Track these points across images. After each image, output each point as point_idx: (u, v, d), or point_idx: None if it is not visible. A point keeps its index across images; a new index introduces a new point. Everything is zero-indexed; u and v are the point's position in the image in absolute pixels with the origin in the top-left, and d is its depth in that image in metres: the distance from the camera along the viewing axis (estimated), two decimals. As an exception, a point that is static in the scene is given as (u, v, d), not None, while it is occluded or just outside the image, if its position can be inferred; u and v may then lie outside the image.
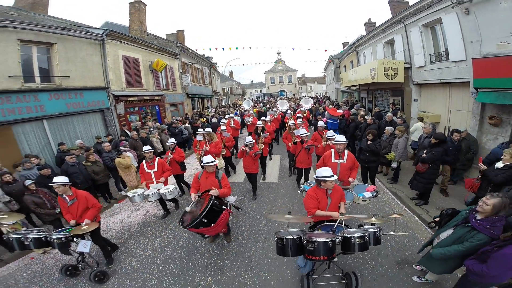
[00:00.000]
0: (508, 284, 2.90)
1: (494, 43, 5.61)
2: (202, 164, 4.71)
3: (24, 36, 7.77)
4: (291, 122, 7.81)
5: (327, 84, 38.17)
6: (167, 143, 7.05)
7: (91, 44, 10.03)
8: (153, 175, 5.78)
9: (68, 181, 4.23)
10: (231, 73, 49.40)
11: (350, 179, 4.77)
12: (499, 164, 4.13)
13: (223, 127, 8.49)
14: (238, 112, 16.51)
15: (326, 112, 11.64)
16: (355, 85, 15.71)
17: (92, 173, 6.63)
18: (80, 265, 4.28)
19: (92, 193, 6.72)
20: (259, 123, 8.33)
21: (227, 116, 11.86)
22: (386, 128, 7.19)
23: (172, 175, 6.39)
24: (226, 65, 46.79)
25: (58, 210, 5.11)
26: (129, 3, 16.81)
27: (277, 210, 6.23)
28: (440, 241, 3.16)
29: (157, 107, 14.57)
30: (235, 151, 10.39)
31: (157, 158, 5.96)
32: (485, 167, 4.27)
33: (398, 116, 8.94)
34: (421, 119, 8.53)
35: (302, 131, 6.60)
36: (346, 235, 3.16)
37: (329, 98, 27.43)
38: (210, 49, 29.83)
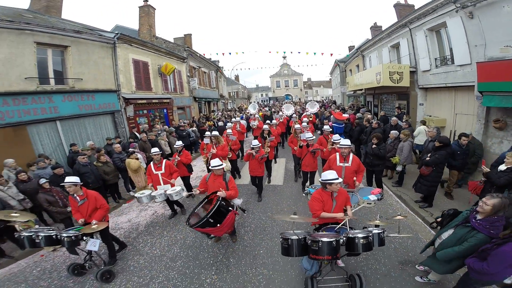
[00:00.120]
0: (509, 284, 2.95)
1: (498, 46, 5.68)
2: (210, 167, 4.82)
3: (40, 38, 8.06)
4: (297, 126, 7.89)
5: (333, 88, 38.18)
6: (175, 146, 7.16)
7: (103, 47, 10.33)
8: (160, 177, 5.87)
9: (79, 181, 4.33)
10: (237, 77, 49.75)
11: (356, 183, 4.81)
12: (502, 167, 4.18)
13: (229, 131, 8.59)
14: (244, 116, 16.64)
15: (332, 116, 11.73)
16: (361, 89, 15.74)
17: (102, 173, 6.83)
18: (87, 264, 4.36)
19: (102, 192, 6.93)
20: (265, 126, 8.43)
21: (233, 119, 12.02)
22: (391, 132, 7.24)
23: (179, 177, 6.47)
24: (232, 69, 47.20)
25: (69, 209, 5.21)
26: (139, 7, 17.12)
27: (282, 212, 6.32)
28: (442, 241, 3.21)
29: (165, 110, 14.82)
30: (240, 154, 10.53)
31: (164, 160, 6.06)
32: (488, 170, 4.32)
33: (403, 120, 8.98)
34: (423, 123, 8.57)
35: (308, 134, 6.66)
36: (350, 235, 3.20)
37: (335, 102, 27.44)
38: (217, 53, 30.23)
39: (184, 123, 12.86)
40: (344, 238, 3.22)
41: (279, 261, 4.43)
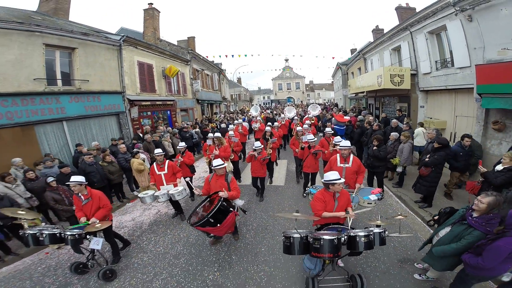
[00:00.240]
0: (507, 282, 3.02)
1: (496, 49, 5.77)
2: (212, 167, 4.89)
3: (49, 40, 8.23)
4: (298, 128, 8.00)
5: (335, 91, 38.25)
6: (178, 147, 7.25)
7: (109, 49, 10.51)
8: (163, 177, 5.95)
9: (84, 180, 4.38)
10: (239, 80, 50.00)
11: (357, 184, 4.89)
12: (499, 167, 4.26)
13: (231, 133, 8.69)
14: (246, 118, 16.75)
15: (333, 118, 11.84)
16: (363, 92, 15.84)
17: (107, 173, 6.96)
18: (90, 263, 4.38)
19: (107, 192, 7.05)
20: (267, 128, 8.52)
21: (235, 122, 12.13)
22: (391, 134, 7.32)
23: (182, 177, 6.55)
24: (234, 71, 47.71)
25: (75, 207, 5.37)
26: (144, 10, 17.36)
27: (283, 211, 6.42)
28: (439, 238, 3.30)
29: (168, 112, 14.98)
30: (242, 156, 10.64)
31: (167, 161, 6.13)
32: (485, 170, 4.40)
33: (404, 122, 9.06)
34: (421, 125, 8.70)
35: (309, 136, 6.75)
36: (351, 234, 3.25)
37: (336, 105, 27.53)
38: (220, 56, 30.47)
39: (187, 124, 13.01)
40: (346, 237, 3.25)
41: (280, 259, 4.51)
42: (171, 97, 15.17)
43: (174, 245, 5.27)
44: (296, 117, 13.38)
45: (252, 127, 11.78)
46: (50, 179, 5.42)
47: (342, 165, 4.98)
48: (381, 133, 8.07)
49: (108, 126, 10.50)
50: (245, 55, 24.84)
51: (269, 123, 10.62)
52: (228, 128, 10.56)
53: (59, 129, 8.60)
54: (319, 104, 24.68)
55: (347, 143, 5.21)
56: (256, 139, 10.19)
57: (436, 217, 3.71)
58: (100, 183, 6.65)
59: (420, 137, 8.02)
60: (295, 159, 8.27)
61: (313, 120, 12.21)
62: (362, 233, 3.21)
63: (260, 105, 44.57)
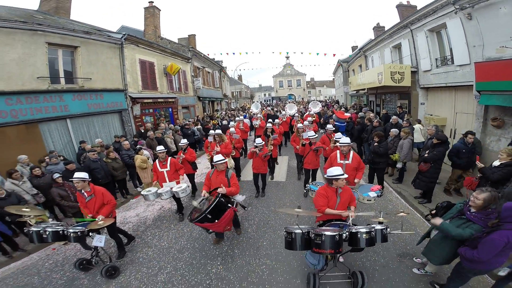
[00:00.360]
0: (504, 277, 3.10)
1: (495, 47, 5.80)
2: (213, 162, 4.94)
3: (51, 39, 8.32)
4: (299, 125, 8.03)
5: (336, 88, 38.22)
6: (180, 144, 7.31)
7: (111, 48, 10.59)
8: (165, 174, 5.97)
9: (87, 177, 4.39)
10: (240, 77, 49.92)
11: (356, 179, 4.94)
12: (496, 163, 4.34)
13: (232, 129, 8.72)
14: (247, 115, 16.82)
15: (334, 115, 11.91)
16: (363, 89, 15.87)
17: (111, 169, 7.07)
18: (94, 260, 4.38)
19: (112, 188, 7.15)
20: (268, 125, 8.58)
21: (236, 118, 12.20)
22: (391, 130, 7.41)
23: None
24: (235, 69, 47.48)
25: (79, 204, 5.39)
26: (144, 8, 17.34)
27: (284, 206, 6.50)
28: (437, 232, 3.37)
29: (170, 109, 15.09)
30: (244, 153, 10.71)
31: (169, 158, 6.14)
32: (483, 165, 4.48)
33: (405, 119, 9.12)
34: (419, 121, 8.80)
35: (310, 133, 6.79)
36: (353, 230, 3.27)
37: (337, 102, 27.54)
38: (221, 53, 30.45)
39: (189, 121, 13.10)
40: (347, 233, 3.28)
41: (282, 252, 4.59)
42: (172, 94, 15.25)
43: (178, 239, 5.37)
44: (297, 114, 13.44)
45: (253, 124, 11.83)
46: (56, 175, 5.53)
47: (342, 161, 5.01)
48: (381, 129, 8.12)
49: (111, 124, 10.61)
50: (246, 53, 24.83)
51: (270, 120, 10.68)
52: (229, 125, 10.62)
53: (63, 126, 8.71)
54: (320, 101, 24.71)
55: (347, 139, 5.25)
56: (257, 136, 10.23)
57: (433, 211, 3.79)
58: (105, 179, 6.77)
59: (418, 134, 8.11)
60: (296, 155, 8.30)
61: (314, 117, 12.26)
62: (363, 230, 3.23)
63: (261, 102, 44.60)
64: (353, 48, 25.61)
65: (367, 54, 16.69)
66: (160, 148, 6.17)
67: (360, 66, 19.00)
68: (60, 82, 8.67)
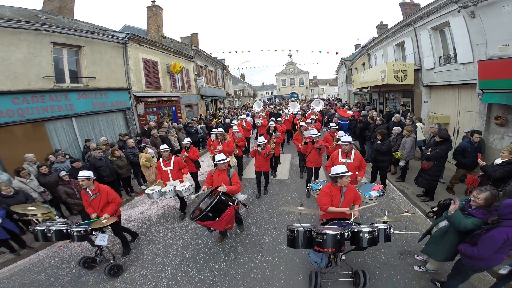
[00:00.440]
0: (505, 275, 3.13)
1: (498, 45, 5.80)
2: (215, 162, 4.97)
3: (56, 39, 8.41)
4: (302, 123, 8.02)
5: (339, 86, 38.10)
6: (183, 142, 7.34)
7: (115, 47, 10.67)
8: (169, 173, 6.01)
9: (92, 175, 4.42)
10: (242, 75, 49.88)
11: (358, 177, 4.94)
12: (498, 161, 4.35)
13: (235, 128, 8.73)
14: (250, 114, 16.84)
15: (337, 113, 11.92)
16: (367, 87, 15.84)
17: (116, 167, 7.17)
18: (98, 258, 4.44)
19: (116, 186, 7.24)
20: (271, 123, 8.59)
21: (239, 117, 12.24)
22: (394, 128, 7.42)
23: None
24: (238, 67, 47.35)
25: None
26: (147, 7, 17.44)
27: (287, 204, 6.57)
28: (439, 229, 3.40)
29: (173, 108, 15.19)
30: (246, 151, 10.72)
31: (173, 156, 6.17)
32: (484, 163, 4.49)
33: (408, 117, 9.10)
34: (420, 120, 8.81)
35: (313, 131, 6.78)
36: (355, 229, 3.26)
37: (340, 100, 27.48)
38: (223, 52, 30.52)
39: (192, 120, 13.18)
40: (349, 232, 3.27)
41: (284, 249, 4.64)
42: (176, 93, 15.34)
43: (182, 236, 5.45)
44: (299, 112, 13.44)
45: (256, 122, 11.84)
46: (62, 173, 5.63)
47: (344, 160, 5.01)
48: (384, 127, 8.13)
49: (115, 122, 10.72)
50: (248, 51, 25.16)
51: (273, 118, 10.70)
52: (232, 123, 10.67)
53: (69, 125, 8.83)
54: (323, 99, 24.67)
55: (348, 138, 5.24)
56: (259, 135, 10.25)
57: (435, 209, 3.81)
58: (110, 177, 6.86)
59: (418, 132, 8.10)
60: (298, 154, 8.29)
61: (317, 115, 12.26)
62: (366, 229, 3.22)
63: (264, 100, 44.58)
64: (356, 46, 25.48)
65: (370, 52, 16.64)
66: (164, 146, 6.20)
67: (363, 64, 18.93)
68: (65, 82, 8.77)
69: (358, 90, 19.40)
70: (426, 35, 9.36)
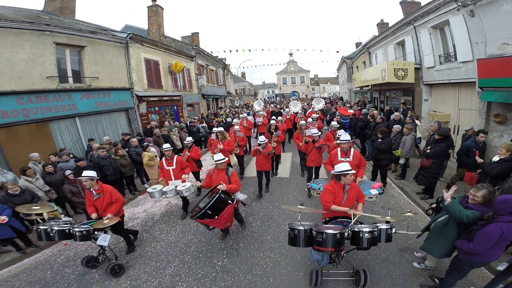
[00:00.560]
0: (502, 272, 3.18)
1: (497, 44, 5.84)
2: (214, 161, 4.99)
3: (59, 39, 8.48)
4: (302, 122, 8.05)
5: (340, 85, 38.09)
6: (185, 142, 7.38)
7: (117, 47, 10.75)
8: (171, 172, 6.03)
9: (95, 175, 4.45)
10: (243, 74, 49.86)
11: (358, 178, 4.92)
12: (495, 158, 4.41)
13: (236, 127, 8.75)
14: (251, 112, 16.82)
15: (337, 111, 11.98)
16: (367, 86, 15.86)
17: (120, 166, 7.26)
18: (100, 257, 4.45)
19: (120, 184, 7.33)
20: (272, 122, 8.63)
21: (241, 116, 12.28)
22: (394, 126, 7.48)
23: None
24: (238, 66, 47.50)
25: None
26: (148, 6, 17.44)
27: (288, 202, 6.65)
28: (436, 223, 3.45)
29: (175, 107, 15.26)
30: (248, 150, 10.78)
31: (175, 156, 6.18)
32: (482, 161, 4.55)
33: (409, 115, 9.14)
34: (416, 117, 8.85)
35: (313, 130, 6.77)
36: (355, 229, 3.24)
37: (341, 99, 27.49)
38: (224, 51, 30.58)
39: (194, 119, 13.25)
40: (349, 232, 3.26)
41: (285, 246, 4.67)
42: (177, 92, 15.41)
43: (185, 234, 5.53)
44: (300, 111, 13.47)
45: (256, 121, 11.85)
46: (68, 172, 5.74)
47: (342, 159, 4.98)
48: (384, 125, 8.17)
49: (118, 122, 10.81)
50: (249, 50, 25.06)
51: (274, 117, 10.73)
52: (233, 122, 10.71)
53: (72, 125, 8.93)
54: (323, 98, 24.67)
55: (347, 137, 5.23)
56: (260, 134, 10.28)
57: (433, 205, 3.87)
58: (113, 176, 6.97)
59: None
60: (299, 152, 8.30)
61: (318, 114, 12.27)
62: (366, 229, 3.20)
63: (264, 99, 44.57)
64: (357, 44, 25.49)
65: (371, 51, 16.65)
66: (166, 146, 6.25)
67: (364, 62, 18.93)
68: (69, 82, 8.85)
69: (359, 88, 19.40)
70: (426, 33, 9.38)
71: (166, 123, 11.72)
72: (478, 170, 4.76)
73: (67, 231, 4.07)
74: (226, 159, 5.08)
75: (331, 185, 3.85)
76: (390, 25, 13.79)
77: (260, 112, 12.88)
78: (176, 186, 5.81)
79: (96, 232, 4.21)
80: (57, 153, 7.13)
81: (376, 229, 3.23)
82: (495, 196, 2.94)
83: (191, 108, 17.79)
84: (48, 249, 5.49)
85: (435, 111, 9.63)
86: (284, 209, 6.07)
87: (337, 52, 22.55)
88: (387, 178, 7.38)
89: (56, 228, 4.02)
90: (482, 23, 6.40)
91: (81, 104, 9.02)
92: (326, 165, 5.31)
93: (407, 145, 6.88)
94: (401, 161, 7.16)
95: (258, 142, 6.62)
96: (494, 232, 2.65)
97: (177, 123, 12.54)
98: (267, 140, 6.73)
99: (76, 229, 4.05)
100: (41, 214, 4.39)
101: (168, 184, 6.06)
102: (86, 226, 4.20)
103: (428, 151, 5.67)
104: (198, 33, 21.97)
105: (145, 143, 8.00)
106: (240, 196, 4.94)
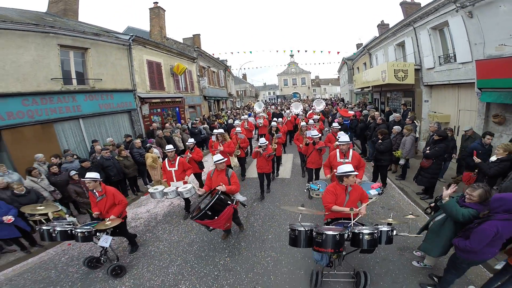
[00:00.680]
0: (500, 270, 3.23)
1: (496, 45, 5.89)
2: (213, 162, 5.04)
3: (63, 41, 8.58)
4: (303, 123, 8.09)
5: (341, 86, 38.10)
6: (187, 143, 7.41)
7: (120, 49, 10.85)
8: (173, 173, 6.06)
9: (99, 177, 4.48)
10: (244, 76, 49.95)
11: (357, 180, 4.94)
12: (493, 158, 4.47)
13: (238, 129, 8.74)
14: (252, 114, 16.86)
15: (338, 113, 12.04)
16: (368, 87, 15.91)
17: (123, 167, 7.35)
18: (102, 258, 4.45)
19: (123, 185, 7.41)
20: (273, 123, 8.67)
21: (242, 117, 12.33)
22: (394, 127, 7.54)
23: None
24: (240, 68, 47.52)
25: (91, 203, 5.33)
26: (149, 8, 17.56)
27: (289, 202, 6.71)
28: (435, 222, 3.53)
29: (177, 109, 15.35)
30: (249, 152, 10.82)
31: (178, 157, 6.21)
32: (479, 161, 4.61)
33: (409, 116, 9.18)
34: (413, 118, 8.90)
35: (313, 132, 6.81)
36: (355, 231, 3.24)
37: (342, 100, 27.52)
38: (225, 53, 30.73)
39: (196, 120, 13.34)
40: (349, 233, 3.26)
41: (286, 245, 4.67)
42: (179, 94, 15.50)
43: (188, 233, 5.61)
44: (301, 113, 13.52)
45: (257, 123, 11.88)
46: (72, 172, 5.83)
47: (342, 160, 4.99)
48: (384, 127, 8.23)
49: (121, 123, 10.90)
50: (250, 52, 25.20)
51: (275, 119, 10.79)
52: (234, 124, 10.73)
53: (76, 126, 9.02)
54: (324, 99, 24.72)
55: (346, 138, 5.26)
56: (261, 135, 10.30)
57: (432, 204, 3.93)
58: (117, 176, 7.06)
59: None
60: (299, 154, 8.33)
61: (319, 115, 12.30)
62: (366, 231, 3.21)
63: (266, 101, 44.62)
64: (358, 45, 25.55)
65: (371, 52, 16.70)
66: (169, 147, 6.27)
67: (365, 64, 18.97)
68: (73, 83, 8.95)
69: (359, 89, 19.45)
70: (425, 34, 9.45)
71: (167, 124, 11.80)
72: (476, 170, 4.81)
73: (69, 231, 4.10)
74: (225, 159, 5.10)
75: (333, 186, 3.87)
76: (390, 26, 13.85)
77: (261, 114, 12.92)
78: (177, 188, 5.82)
79: (98, 233, 4.26)
80: (58, 155, 7.18)
81: (376, 231, 3.24)
82: (491, 195, 3.00)
83: (192, 109, 17.88)
84: (52, 248, 5.55)
85: (435, 112, 9.68)
86: (285, 210, 6.10)
87: (338, 53, 22.61)
88: (387, 179, 7.44)
89: (58, 228, 4.05)
90: (480, 24, 6.47)
91: (85, 106, 9.12)
92: (325, 167, 5.34)
93: (407, 146, 6.94)
94: (401, 161, 7.21)
95: (259, 144, 6.63)
96: (490, 229, 2.71)
97: (179, 124, 12.61)
98: (267, 142, 6.74)
99: (78, 230, 4.09)
100: (45, 214, 4.44)
101: (169, 185, 6.09)
102: (88, 227, 4.24)
103: (427, 151, 5.72)
104: (199, 34, 22.10)
105: (148, 145, 8.09)
106: (240, 197, 4.98)
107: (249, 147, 10.63)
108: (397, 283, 3.80)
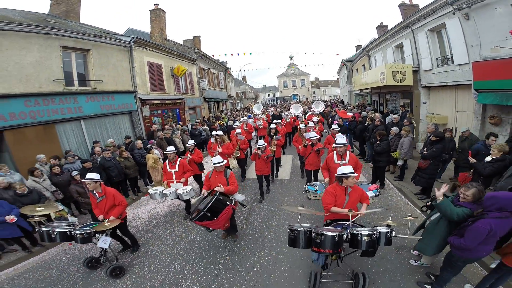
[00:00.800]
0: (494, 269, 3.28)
1: (491, 47, 5.97)
2: (212, 164, 5.08)
3: (65, 43, 8.65)
4: (302, 125, 8.13)
5: (340, 88, 38.21)
6: (187, 144, 7.44)
7: (121, 50, 10.93)
8: (173, 175, 6.07)
9: (99, 178, 4.50)
10: (244, 78, 50.06)
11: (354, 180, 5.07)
12: (488, 158, 4.54)
13: (238, 130, 8.77)
14: (251, 115, 16.91)
15: (336, 114, 12.11)
16: (367, 89, 16.00)
17: (124, 167, 7.41)
18: (102, 259, 4.46)
19: (124, 185, 7.47)
20: (272, 125, 8.69)
21: (241, 119, 12.38)
22: (392, 128, 7.61)
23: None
24: (240, 69, 47.68)
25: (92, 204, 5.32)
26: (150, 10, 17.60)
27: (288, 203, 6.77)
28: (431, 221, 3.60)
29: (177, 110, 15.40)
30: (249, 153, 10.87)
31: (179, 159, 6.23)
32: (475, 161, 4.68)
33: (406, 117, 9.24)
34: (410, 119, 8.95)
35: (312, 134, 6.86)
36: (354, 232, 3.25)
37: (342, 102, 27.60)
38: (225, 54, 30.81)
39: (196, 122, 13.40)
40: (348, 234, 3.27)
41: (285, 244, 4.62)
42: (179, 95, 15.56)
43: (188, 233, 5.66)
44: (300, 115, 13.58)
45: (256, 125, 11.83)
46: (74, 172, 5.89)
47: (339, 162, 4.95)
48: (383, 128, 8.30)
49: (122, 124, 10.95)
50: (250, 53, 25.23)
51: (274, 121, 10.84)
52: (234, 126, 10.76)
53: (77, 127, 9.08)
54: (323, 101, 24.79)
55: (342, 140, 5.28)
56: (260, 137, 10.34)
57: (428, 203, 3.99)
58: (118, 177, 7.13)
59: None
60: (298, 155, 8.36)
61: (318, 116, 12.35)
62: (364, 232, 3.21)
63: (265, 102, 44.71)
64: (357, 47, 25.64)
65: (370, 54, 16.81)
66: (170, 148, 6.32)
67: (364, 65, 19.09)
68: (74, 85, 9.02)
69: (359, 91, 19.54)
70: (423, 36, 9.54)
71: (167, 126, 11.85)
72: (471, 170, 4.88)
73: (68, 233, 4.12)
74: (225, 161, 5.13)
75: (333, 187, 3.88)
76: (389, 28, 13.95)
77: (259, 116, 12.95)
78: (177, 189, 5.85)
79: (97, 235, 4.28)
80: (58, 156, 7.20)
81: (375, 232, 3.25)
82: (484, 194, 3.07)
83: (193, 111, 17.95)
84: (54, 248, 5.58)
85: (433, 114, 9.77)
86: (284, 210, 6.17)
87: (337, 55, 22.77)
88: (386, 179, 7.50)
89: (57, 230, 4.06)
90: (476, 26, 6.56)
91: (86, 107, 9.18)
92: (322, 170, 5.34)
93: (405, 147, 7.00)
94: (399, 162, 7.28)
95: (257, 146, 6.65)
96: (483, 227, 2.77)
97: (179, 125, 12.67)
98: (266, 144, 6.75)
99: (77, 232, 4.10)
100: (45, 215, 4.45)
101: (169, 187, 6.12)
102: (87, 228, 4.25)
103: (425, 152, 5.80)
104: (199, 36, 22.15)
105: (148, 146, 8.15)
106: (238, 196, 5.01)
107: (248, 149, 10.68)
108: (395, 282, 3.84)
